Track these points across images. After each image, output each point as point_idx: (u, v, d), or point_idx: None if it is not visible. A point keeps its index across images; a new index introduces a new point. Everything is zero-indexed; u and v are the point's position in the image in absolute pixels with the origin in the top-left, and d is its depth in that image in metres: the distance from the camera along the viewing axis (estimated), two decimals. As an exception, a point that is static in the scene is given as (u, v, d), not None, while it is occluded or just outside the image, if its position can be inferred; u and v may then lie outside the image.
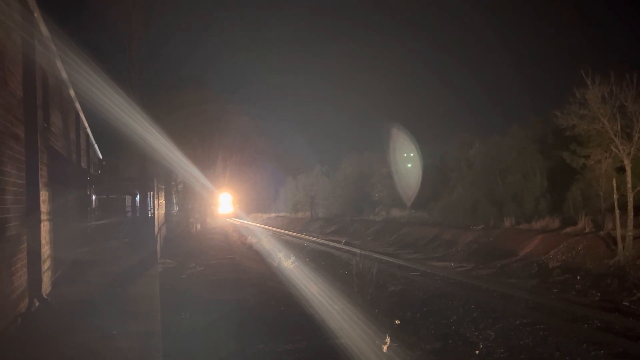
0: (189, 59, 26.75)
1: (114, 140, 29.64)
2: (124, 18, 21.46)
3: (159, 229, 21.86)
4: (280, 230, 45.98)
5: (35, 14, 8.14)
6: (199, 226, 32.16)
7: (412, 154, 48.19)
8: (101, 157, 28.17)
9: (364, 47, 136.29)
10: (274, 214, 75.39)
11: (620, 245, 18.59)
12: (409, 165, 48.07)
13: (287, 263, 19.95)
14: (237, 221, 49.41)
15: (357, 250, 20.46)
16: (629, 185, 18.90)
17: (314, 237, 42.32)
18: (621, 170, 20.25)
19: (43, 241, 8.76)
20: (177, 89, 24.92)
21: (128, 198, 24.46)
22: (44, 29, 8.88)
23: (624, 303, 15.08)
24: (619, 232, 18.76)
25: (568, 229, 23.45)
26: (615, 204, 19.41)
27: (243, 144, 35.30)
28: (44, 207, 8.95)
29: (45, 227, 9.21)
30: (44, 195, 9.00)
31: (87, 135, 20.19)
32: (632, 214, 18.69)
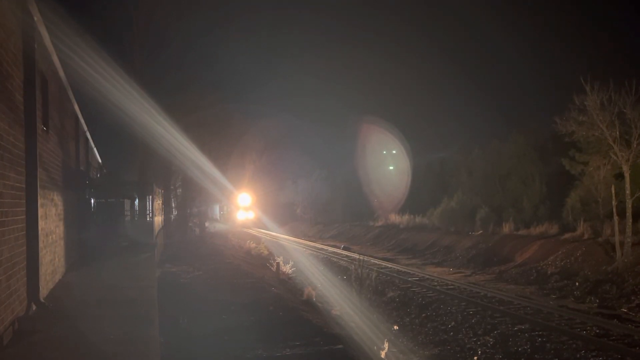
0: (191, 61, 26.86)
1: (113, 144, 29.73)
2: (125, 19, 21.61)
3: (158, 233, 21.84)
4: (279, 235, 45.93)
5: (36, 18, 8.16)
6: (197, 230, 32.12)
7: (410, 160, 48.24)
8: (100, 161, 28.17)
9: (367, 52, 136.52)
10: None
11: (618, 252, 18.58)
12: (407, 171, 48.08)
13: (285, 268, 19.92)
14: (242, 228, 48.69)
15: (356, 256, 20.43)
16: (628, 192, 18.92)
17: (312, 241, 42.30)
18: (620, 176, 20.26)
19: (41, 245, 8.75)
20: (178, 90, 25.00)
21: (127, 202, 24.43)
22: (44, 32, 8.90)
23: (623, 309, 15.07)
24: (617, 239, 18.76)
25: (567, 235, 23.46)
26: (614, 210, 19.43)
27: (245, 147, 35.17)
28: (42, 211, 8.94)
29: (43, 231, 9.20)
30: (42, 199, 9.00)
31: (87, 138, 20.19)
32: (630, 220, 18.70)
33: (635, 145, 18.68)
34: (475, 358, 11.55)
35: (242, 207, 49.92)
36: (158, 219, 23.39)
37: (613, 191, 19.91)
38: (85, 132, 19.13)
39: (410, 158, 47.63)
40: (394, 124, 51.28)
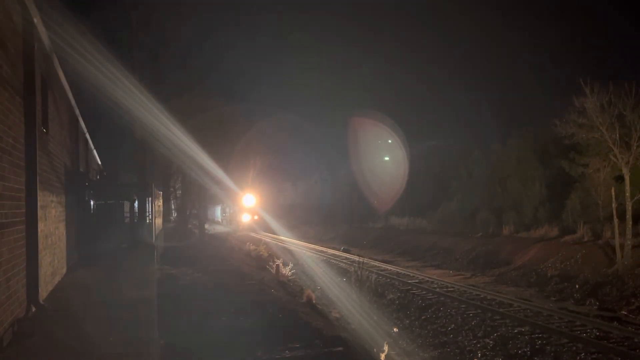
0: (193, 62, 26.81)
1: (113, 145, 29.76)
2: (125, 20, 21.58)
3: (157, 234, 21.84)
4: (278, 237, 45.87)
5: (36, 19, 8.17)
6: (197, 232, 32.14)
7: (410, 161, 48.17)
8: (100, 162, 28.17)
9: (368, 52, 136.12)
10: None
11: (619, 254, 18.58)
12: (407, 173, 48.04)
13: (285, 270, 19.88)
14: (246, 232, 48.14)
15: (356, 258, 20.41)
16: (628, 194, 18.92)
17: (312, 243, 42.25)
18: (620, 179, 20.26)
19: (41, 246, 8.74)
20: (179, 91, 25.04)
21: (127, 204, 24.48)
22: (44, 33, 8.91)
23: (623, 312, 15.07)
24: (617, 241, 18.75)
25: (567, 238, 23.44)
26: (614, 212, 19.42)
27: (248, 148, 35.11)
28: (41, 212, 8.93)
29: (43, 233, 9.19)
30: (42, 200, 8.99)
31: (86, 140, 20.20)
32: (630, 222, 18.70)
33: (635, 148, 18.68)
34: (475, 360, 11.53)
35: (246, 209, 49.68)
36: (158, 221, 23.39)
37: (613, 193, 19.91)
38: (84, 133, 19.14)
39: (410, 160, 47.55)
40: (393, 124, 51.08)
